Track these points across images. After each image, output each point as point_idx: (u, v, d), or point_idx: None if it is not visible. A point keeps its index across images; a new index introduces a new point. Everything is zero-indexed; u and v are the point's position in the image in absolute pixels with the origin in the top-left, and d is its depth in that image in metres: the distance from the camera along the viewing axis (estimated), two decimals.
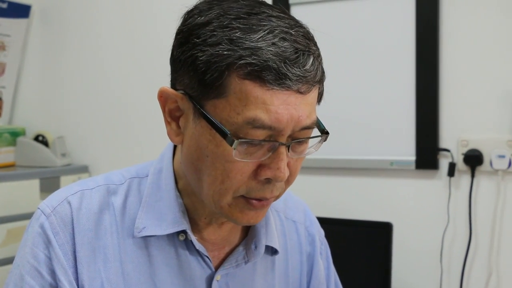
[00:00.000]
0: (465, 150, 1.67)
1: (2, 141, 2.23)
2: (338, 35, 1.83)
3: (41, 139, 2.27)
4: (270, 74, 0.70)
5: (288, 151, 0.75)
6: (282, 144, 0.73)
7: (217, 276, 0.84)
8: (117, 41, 2.24)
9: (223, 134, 0.72)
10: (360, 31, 1.81)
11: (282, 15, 0.75)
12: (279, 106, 0.71)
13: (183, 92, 0.76)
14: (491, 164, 1.64)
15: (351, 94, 1.82)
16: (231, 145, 0.71)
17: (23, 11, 2.35)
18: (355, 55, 1.82)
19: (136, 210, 0.83)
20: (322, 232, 1.03)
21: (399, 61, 1.76)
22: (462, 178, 1.70)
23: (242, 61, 0.69)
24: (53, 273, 0.77)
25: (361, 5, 1.80)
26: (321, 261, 0.99)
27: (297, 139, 0.75)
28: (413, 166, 1.74)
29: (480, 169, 1.67)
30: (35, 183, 2.06)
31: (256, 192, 0.76)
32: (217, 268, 0.85)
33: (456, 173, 1.69)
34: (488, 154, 1.65)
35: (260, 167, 0.74)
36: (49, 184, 2.10)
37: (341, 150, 1.84)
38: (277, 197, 0.81)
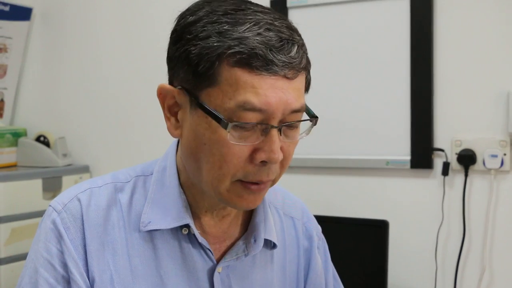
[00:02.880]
0: (458, 150, 1.72)
1: (4, 142, 2.26)
2: (335, 37, 1.87)
3: (42, 140, 2.30)
4: (258, 61, 0.75)
5: (280, 135, 0.79)
6: (274, 127, 0.77)
7: (219, 268, 0.88)
8: (116, 43, 2.27)
9: (218, 120, 0.77)
10: (356, 33, 1.85)
11: (266, 10, 0.81)
12: (267, 89, 0.76)
13: (180, 87, 0.81)
14: (484, 163, 1.68)
15: (348, 96, 1.86)
16: (225, 128, 0.76)
17: (24, 14, 2.38)
18: (351, 57, 1.85)
19: (141, 206, 0.87)
20: (319, 228, 1.07)
21: (394, 63, 1.79)
22: (456, 177, 1.74)
23: (231, 50, 0.75)
24: (65, 265, 0.81)
25: (356, 9, 1.84)
26: (318, 256, 1.03)
27: (287, 123, 0.79)
28: (408, 166, 1.78)
29: (473, 168, 1.71)
30: (37, 183, 2.09)
31: (253, 175, 0.79)
32: (218, 260, 0.89)
33: (450, 172, 1.73)
34: (481, 154, 1.69)
35: (255, 151, 0.78)
36: (52, 184, 2.14)
37: (338, 150, 1.88)
38: (274, 181, 0.84)
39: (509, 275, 1.69)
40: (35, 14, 2.42)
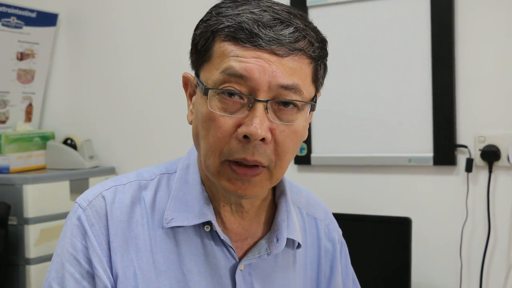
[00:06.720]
0: (482, 146, 1.70)
1: (33, 145, 2.32)
2: (356, 35, 1.87)
3: (69, 143, 2.34)
4: (243, 34, 0.78)
5: (268, 112, 0.78)
6: (258, 100, 0.78)
7: (241, 266, 0.88)
8: (140, 47, 2.30)
9: (202, 88, 0.80)
10: (376, 30, 1.85)
11: (280, 2, 0.83)
12: (250, 58, 0.78)
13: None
14: (508, 159, 1.67)
15: (370, 93, 1.86)
16: (205, 94, 0.79)
17: (50, 20, 2.44)
18: (373, 55, 1.85)
19: (165, 203, 0.89)
20: (340, 231, 1.07)
21: (415, 59, 1.79)
22: (480, 174, 1.72)
23: (221, 25, 0.79)
24: (89, 261, 0.83)
25: (377, 6, 1.84)
26: (339, 259, 1.04)
27: (276, 99, 0.79)
28: (431, 163, 1.77)
29: (497, 164, 1.69)
30: (65, 185, 2.14)
31: (237, 152, 0.79)
32: (240, 258, 0.89)
33: (473, 168, 1.72)
34: (505, 150, 1.67)
35: (239, 126, 0.79)
36: (79, 185, 2.18)
37: (360, 147, 1.88)
38: (270, 171, 0.82)
39: None
40: (61, 19, 2.47)
